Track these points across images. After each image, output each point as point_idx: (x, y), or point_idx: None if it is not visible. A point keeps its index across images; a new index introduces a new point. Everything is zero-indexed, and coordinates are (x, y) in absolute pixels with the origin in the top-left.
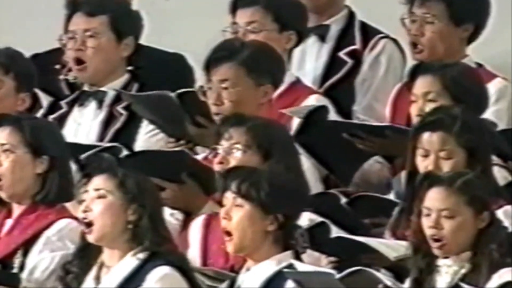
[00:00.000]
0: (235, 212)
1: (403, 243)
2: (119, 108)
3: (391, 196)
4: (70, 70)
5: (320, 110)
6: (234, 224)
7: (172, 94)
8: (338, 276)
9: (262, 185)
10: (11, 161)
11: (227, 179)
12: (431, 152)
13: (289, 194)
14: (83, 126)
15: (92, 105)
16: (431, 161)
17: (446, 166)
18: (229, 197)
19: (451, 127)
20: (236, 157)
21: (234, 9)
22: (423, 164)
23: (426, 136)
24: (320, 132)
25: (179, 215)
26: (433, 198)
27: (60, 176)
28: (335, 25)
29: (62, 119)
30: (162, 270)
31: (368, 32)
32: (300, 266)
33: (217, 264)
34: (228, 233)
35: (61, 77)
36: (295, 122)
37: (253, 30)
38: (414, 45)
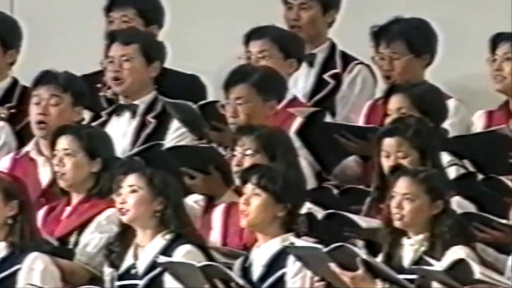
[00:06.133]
0: (253, 199)
1: (376, 220)
2: (149, 117)
3: (371, 188)
4: (109, 87)
5: (318, 113)
6: (252, 208)
7: (194, 106)
8: (324, 250)
9: (277, 180)
10: (72, 163)
11: (249, 173)
12: (391, 154)
13: (297, 188)
14: (119, 131)
15: (127, 115)
16: (391, 160)
17: (404, 164)
18: (249, 187)
19: (405, 132)
20: (249, 160)
21: (247, 40)
22: (386, 163)
23: (386, 141)
24: (316, 130)
25: (202, 202)
26: (400, 185)
27: (110, 174)
28: (320, 53)
29: (102, 126)
30: (186, 248)
31: (347, 59)
32: (298, 242)
33: (234, 242)
34: (246, 213)
35: (101, 93)
36: (297, 121)
37: (263, 57)
38: (387, 77)
